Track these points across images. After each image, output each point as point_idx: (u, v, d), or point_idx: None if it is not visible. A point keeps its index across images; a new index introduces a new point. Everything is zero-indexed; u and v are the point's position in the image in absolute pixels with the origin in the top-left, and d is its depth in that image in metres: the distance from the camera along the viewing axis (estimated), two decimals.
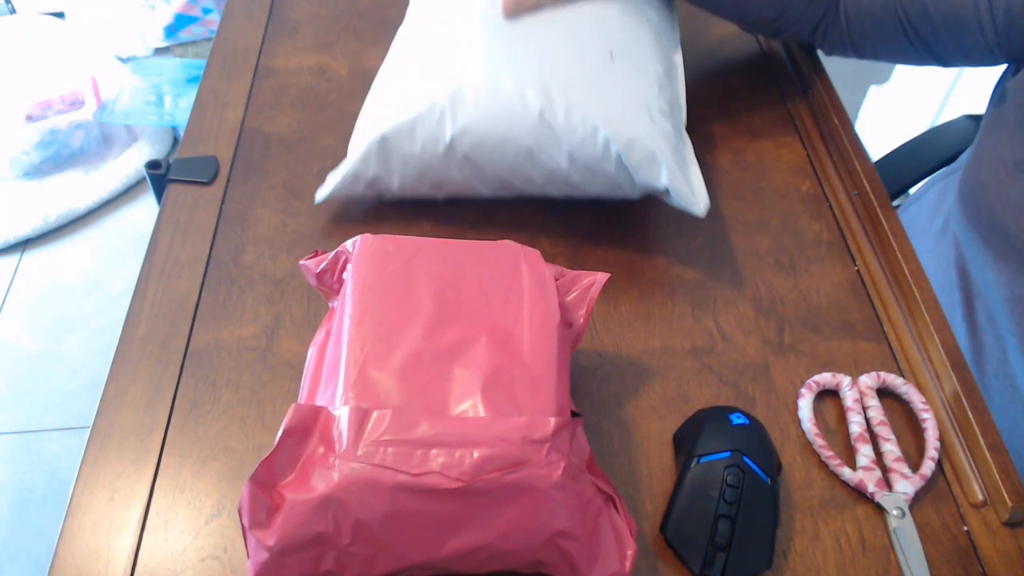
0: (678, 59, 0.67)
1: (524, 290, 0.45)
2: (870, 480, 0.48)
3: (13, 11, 2.28)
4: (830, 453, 0.49)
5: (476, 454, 0.38)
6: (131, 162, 1.94)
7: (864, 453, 0.49)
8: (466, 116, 0.55)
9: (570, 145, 0.55)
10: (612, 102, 0.56)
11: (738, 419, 0.48)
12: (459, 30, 0.60)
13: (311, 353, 0.48)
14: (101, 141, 1.97)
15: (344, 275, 0.47)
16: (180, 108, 1.99)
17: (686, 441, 0.48)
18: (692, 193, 0.57)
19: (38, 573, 1.34)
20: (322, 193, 0.59)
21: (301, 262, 0.49)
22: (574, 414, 0.42)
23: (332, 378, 0.42)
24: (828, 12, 0.66)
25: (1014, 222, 0.62)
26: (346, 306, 0.44)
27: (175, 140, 2.05)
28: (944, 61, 0.66)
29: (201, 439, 0.49)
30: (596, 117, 0.55)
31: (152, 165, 0.64)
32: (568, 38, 0.59)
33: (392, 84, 0.60)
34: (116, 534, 0.45)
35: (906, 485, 0.48)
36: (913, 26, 0.63)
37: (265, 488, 0.39)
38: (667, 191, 0.56)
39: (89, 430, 0.49)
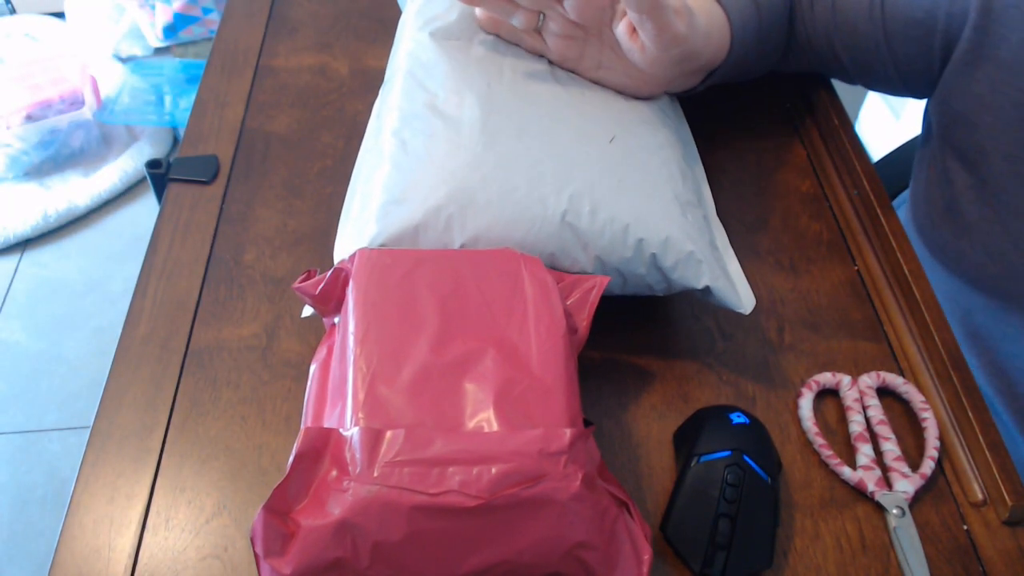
0: (687, 133, 0.63)
1: (527, 299, 0.45)
2: (870, 479, 0.48)
3: (13, 11, 2.28)
4: (830, 452, 0.49)
5: (494, 470, 0.38)
6: (131, 162, 1.94)
7: (864, 452, 0.49)
8: (477, 222, 0.49)
9: (597, 248, 0.50)
10: (639, 199, 0.51)
11: (738, 418, 0.48)
12: (454, 117, 0.53)
13: (313, 370, 0.48)
14: (101, 141, 1.97)
15: (346, 291, 0.46)
16: (180, 108, 1.99)
17: (686, 440, 0.48)
18: (734, 290, 0.52)
19: (38, 573, 1.35)
20: (308, 310, 0.53)
21: (295, 285, 0.48)
22: (586, 423, 0.42)
23: (339, 397, 0.41)
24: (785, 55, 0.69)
25: (952, 263, 0.64)
26: (349, 323, 0.43)
27: (175, 140, 2.05)
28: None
29: (201, 438, 0.49)
30: (626, 217, 0.50)
31: (152, 164, 0.64)
32: (579, 129, 0.54)
33: (382, 176, 0.52)
34: (116, 533, 0.45)
35: (906, 484, 0.48)
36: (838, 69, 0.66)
37: (279, 515, 0.38)
38: (707, 290, 0.51)
39: (89, 430, 0.49)
